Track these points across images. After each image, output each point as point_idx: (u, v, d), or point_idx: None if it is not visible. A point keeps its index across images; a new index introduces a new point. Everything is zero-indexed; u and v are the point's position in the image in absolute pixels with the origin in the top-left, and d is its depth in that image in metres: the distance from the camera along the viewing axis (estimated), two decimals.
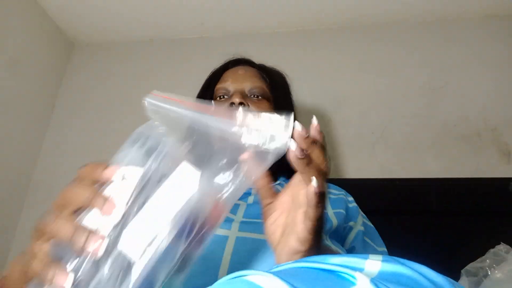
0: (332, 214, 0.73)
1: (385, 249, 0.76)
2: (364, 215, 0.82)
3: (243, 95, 0.80)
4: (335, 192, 0.81)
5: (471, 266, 0.80)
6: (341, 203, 0.77)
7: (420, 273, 0.31)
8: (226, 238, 0.59)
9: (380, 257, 0.32)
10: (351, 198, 0.83)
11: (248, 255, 0.57)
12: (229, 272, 0.36)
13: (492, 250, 0.80)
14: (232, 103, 0.77)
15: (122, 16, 1.52)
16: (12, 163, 1.37)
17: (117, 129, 1.46)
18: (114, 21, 1.55)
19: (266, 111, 0.76)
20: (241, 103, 0.77)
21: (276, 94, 0.86)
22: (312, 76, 1.38)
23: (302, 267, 0.32)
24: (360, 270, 0.31)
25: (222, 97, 0.83)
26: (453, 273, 0.82)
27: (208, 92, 0.88)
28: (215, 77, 0.90)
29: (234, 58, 0.95)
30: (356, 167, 1.23)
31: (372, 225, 0.81)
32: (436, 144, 1.22)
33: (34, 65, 1.48)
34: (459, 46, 1.34)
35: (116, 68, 1.59)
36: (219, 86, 0.85)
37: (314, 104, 1.34)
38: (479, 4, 1.34)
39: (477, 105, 1.24)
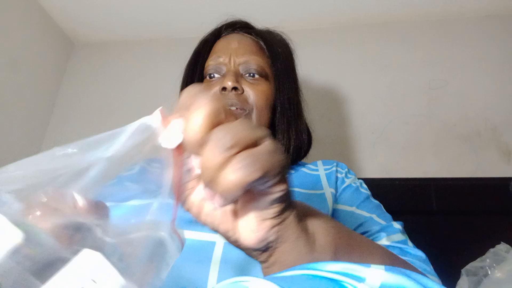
0: (330, 195, 0.62)
1: (396, 226, 0.59)
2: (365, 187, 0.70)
3: (237, 75, 0.69)
4: (327, 167, 0.71)
5: (471, 266, 0.80)
6: (332, 178, 0.67)
7: (425, 287, 0.30)
8: (213, 244, 0.52)
9: (382, 266, 0.31)
10: (343, 169, 0.71)
11: (238, 263, 0.51)
12: (218, 282, 0.34)
13: (492, 250, 0.80)
14: (224, 88, 0.66)
15: (122, 16, 1.52)
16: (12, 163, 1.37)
17: (116, 128, 1.46)
18: (114, 21, 1.55)
19: (264, 92, 0.69)
20: (234, 88, 0.66)
21: (277, 70, 0.73)
22: (311, 76, 1.38)
23: (302, 275, 0.30)
24: (363, 280, 0.29)
25: (212, 76, 0.71)
26: (453, 273, 0.82)
27: (196, 70, 0.74)
28: (204, 49, 0.76)
29: (227, 22, 0.81)
30: (356, 167, 1.23)
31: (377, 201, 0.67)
32: (436, 144, 1.22)
33: (34, 65, 1.48)
34: (459, 46, 1.34)
35: (116, 68, 1.59)
36: (209, 62, 0.72)
37: (314, 103, 1.34)
38: (479, 3, 1.34)
39: (477, 105, 1.24)
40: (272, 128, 0.72)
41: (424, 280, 0.31)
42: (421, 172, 1.18)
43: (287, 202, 0.31)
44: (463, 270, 0.81)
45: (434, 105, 1.27)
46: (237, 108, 0.65)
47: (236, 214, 0.32)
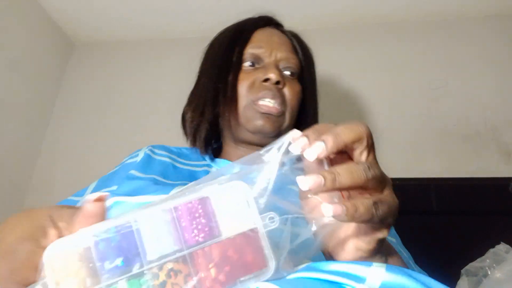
0: None
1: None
2: None
3: (279, 70, 0.68)
4: None
5: (471, 266, 0.80)
6: None
7: (426, 286, 0.30)
8: None
9: (383, 265, 0.31)
10: None
11: None
12: None
13: (492, 250, 0.80)
14: (267, 79, 0.65)
15: (122, 16, 1.51)
16: (12, 163, 1.37)
17: (116, 129, 1.46)
18: (114, 21, 1.55)
19: (298, 94, 0.69)
20: (278, 82, 0.65)
21: (310, 74, 0.74)
22: None
23: (304, 278, 0.31)
24: (363, 280, 0.30)
25: (252, 65, 0.68)
26: (453, 273, 0.82)
27: (232, 56, 0.70)
28: (243, 37, 0.72)
29: (264, 15, 0.79)
30: None
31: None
32: (436, 144, 1.22)
33: (34, 65, 1.48)
34: (459, 46, 1.34)
35: (116, 68, 1.59)
36: (250, 50, 0.69)
37: None
38: (479, 3, 1.33)
39: (477, 105, 1.24)
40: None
41: (425, 279, 0.31)
42: (421, 172, 1.18)
43: (382, 243, 0.36)
44: (463, 271, 0.80)
45: (434, 105, 1.27)
46: (275, 105, 0.64)
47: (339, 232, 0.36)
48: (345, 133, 0.32)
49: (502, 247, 0.80)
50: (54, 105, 1.56)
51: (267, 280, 0.29)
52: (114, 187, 0.58)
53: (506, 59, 1.28)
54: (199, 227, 0.28)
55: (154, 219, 0.28)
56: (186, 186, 0.31)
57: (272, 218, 0.30)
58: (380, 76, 1.35)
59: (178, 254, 0.27)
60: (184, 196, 0.29)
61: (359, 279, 0.30)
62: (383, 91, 1.33)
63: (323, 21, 1.47)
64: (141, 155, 0.67)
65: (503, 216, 1.04)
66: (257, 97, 0.64)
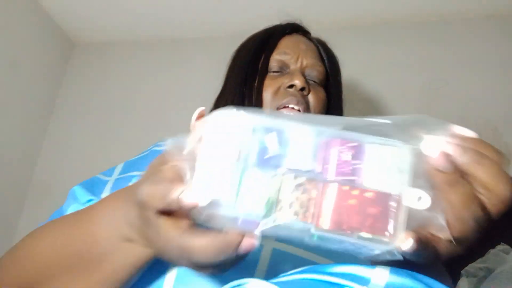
0: None
1: None
2: None
3: (304, 76, 0.68)
4: None
5: (471, 266, 0.80)
6: None
7: (430, 287, 0.30)
8: (260, 247, 0.46)
9: (387, 267, 0.31)
10: None
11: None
12: None
13: (492, 251, 0.80)
14: (291, 86, 0.65)
15: (122, 16, 1.51)
16: (12, 163, 1.37)
17: (116, 129, 1.46)
18: (114, 21, 1.55)
19: (323, 101, 0.69)
20: (302, 89, 0.65)
21: (337, 84, 0.75)
22: None
23: (304, 279, 0.31)
24: (367, 282, 0.29)
25: (278, 71, 0.69)
26: (453, 274, 0.81)
27: (259, 58, 0.71)
28: (270, 43, 0.73)
29: (291, 22, 0.80)
30: None
31: None
32: None
33: (34, 66, 1.48)
34: (459, 46, 1.34)
35: (116, 68, 1.59)
36: (276, 57, 0.70)
37: None
38: (479, 4, 1.33)
39: (477, 105, 1.24)
40: None
41: (429, 280, 0.30)
42: None
43: None
44: (463, 271, 0.80)
45: (434, 105, 1.27)
46: (299, 110, 0.64)
47: None
48: (490, 174, 0.28)
49: (502, 247, 0.80)
50: (54, 105, 1.56)
51: (268, 280, 0.29)
52: None
53: (506, 59, 1.28)
54: (345, 163, 0.28)
55: (307, 135, 0.28)
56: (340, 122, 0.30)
57: (421, 198, 0.27)
58: (380, 76, 1.35)
59: (313, 175, 0.27)
60: (344, 132, 0.29)
61: (363, 281, 0.29)
62: (383, 91, 1.33)
63: (322, 22, 1.47)
64: (147, 151, 0.66)
65: (503, 216, 1.04)
66: (281, 103, 0.65)
